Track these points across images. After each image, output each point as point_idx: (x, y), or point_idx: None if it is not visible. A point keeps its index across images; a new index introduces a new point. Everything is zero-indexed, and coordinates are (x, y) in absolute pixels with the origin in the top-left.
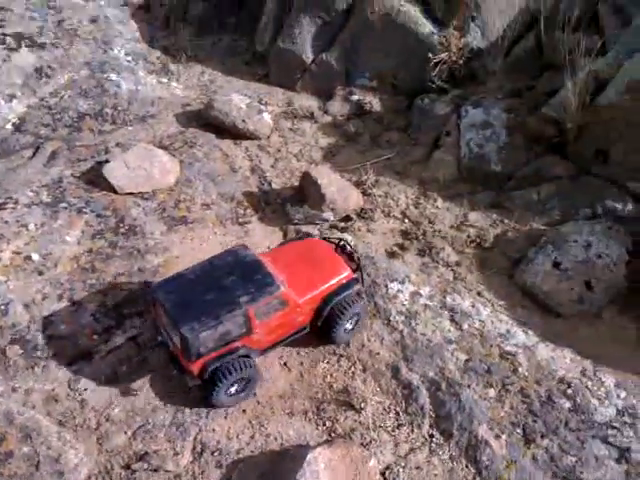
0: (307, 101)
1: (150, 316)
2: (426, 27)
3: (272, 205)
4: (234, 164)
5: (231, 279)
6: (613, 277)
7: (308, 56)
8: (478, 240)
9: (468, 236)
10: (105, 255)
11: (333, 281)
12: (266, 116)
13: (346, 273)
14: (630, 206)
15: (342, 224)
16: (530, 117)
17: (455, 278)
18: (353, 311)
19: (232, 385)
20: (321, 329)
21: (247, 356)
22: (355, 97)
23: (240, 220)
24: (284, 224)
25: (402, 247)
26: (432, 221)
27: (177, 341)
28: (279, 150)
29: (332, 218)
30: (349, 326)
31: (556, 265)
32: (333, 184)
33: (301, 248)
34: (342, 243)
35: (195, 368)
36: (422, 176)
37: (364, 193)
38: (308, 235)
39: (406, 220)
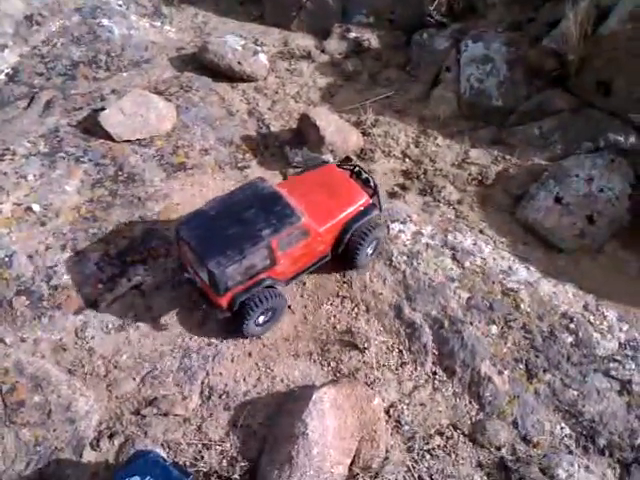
0: (303, 40)
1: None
2: None
3: (271, 148)
4: (231, 108)
5: (252, 212)
6: (615, 211)
7: None
8: (480, 178)
9: (469, 174)
10: (105, 204)
11: (351, 208)
12: (262, 57)
13: (364, 199)
14: (632, 138)
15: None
16: (531, 50)
17: (457, 216)
18: (373, 236)
19: (260, 315)
20: (342, 256)
21: (272, 287)
22: (352, 34)
23: (239, 165)
24: (283, 167)
25: (403, 187)
26: (433, 160)
27: (205, 277)
28: (276, 92)
29: (332, 160)
30: (370, 251)
31: (558, 200)
32: (332, 125)
33: (317, 177)
34: (357, 169)
35: (224, 301)
36: (422, 114)
37: (364, 133)
38: (324, 162)
39: (407, 159)
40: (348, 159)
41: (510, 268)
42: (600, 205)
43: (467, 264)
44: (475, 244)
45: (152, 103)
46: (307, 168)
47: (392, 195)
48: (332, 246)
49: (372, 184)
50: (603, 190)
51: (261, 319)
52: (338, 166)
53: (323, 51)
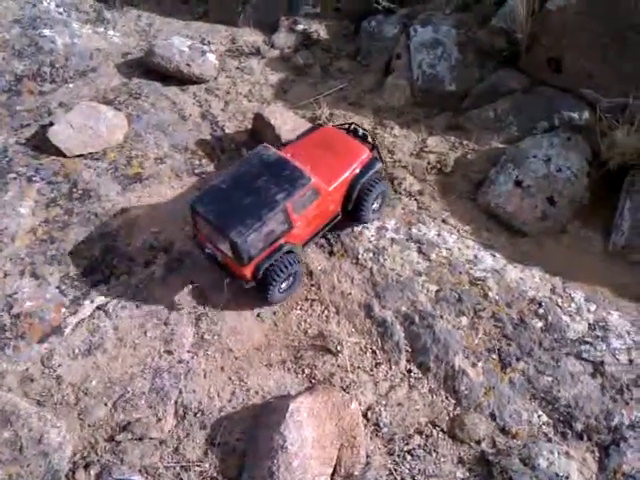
0: (251, 36)
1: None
2: None
3: (227, 151)
4: (183, 112)
5: (263, 179)
6: (575, 190)
7: None
8: (439, 166)
9: (428, 163)
10: (62, 223)
11: (355, 164)
12: (210, 57)
13: (365, 154)
14: (586, 114)
15: None
16: (480, 31)
17: (419, 208)
18: (379, 190)
19: (283, 281)
20: (351, 213)
21: (291, 252)
22: (300, 26)
23: (196, 171)
24: None
25: None
26: (391, 150)
27: (226, 249)
28: (228, 92)
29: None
30: (376, 206)
31: (518, 184)
32: (287, 123)
33: (316, 139)
34: (353, 127)
35: (248, 271)
36: (377, 104)
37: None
38: (319, 125)
39: None
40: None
41: (476, 257)
42: (560, 185)
43: (433, 256)
44: (439, 235)
45: (101, 114)
46: (303, 133)
47: None
48: (342, 204)
49: (370, 139)
50: (561, 170)
51: (284, 285)
52: (334, 126)
53: (272, 46)
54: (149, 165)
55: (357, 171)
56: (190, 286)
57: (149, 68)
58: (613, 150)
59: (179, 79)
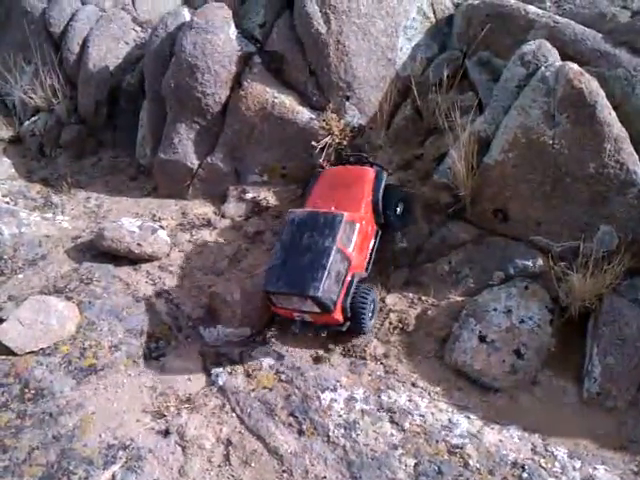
0: (202, 208)
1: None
2: (304, 114)
3: (184, 330)
4: (137, 293)
5: (307, 238)
6: (540, 340)
7: (193, 162)
8: (401, 325)
9: (390, 323)
10: (15, 429)
11: (367, 184)
12: (162, 234)
13: (370, 172)
14: (540, 261)
15: (260, 336)
16: (424, 187)
17: (386, 372)
18: (397, 197)
19: (371, 310)
20: (386, 224)
21: (362, 281)
22: (249, 195)
23: (154, 354)
24: (201, 348)
25: (327, 349)
26: None
27: (311, 307)
28: (182, 267)
29: (249, 332)
30: (400, 210)
31: (482, 339)
32: (243, 296)
33: (324, 183)
34: (346, 156)
35: (338, 315)
36: None
37: None
38: (318, 172)
39: None
40: (267, 327)
41: (450, 421)
42: (524, 337)
43: (407, 425)
44: (411, 400)
45: (51, 307)
46: (309, 186)
47: (317, 360)
48: (375, 221)
49: (364, 157)
50: (524, 321)
51: (370, 312)
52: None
53: (223, 216)
54: (104, 354)
55: (372, 189)
56: None
57: (100, 250)
58: (572, 296)
59: (131, 259)
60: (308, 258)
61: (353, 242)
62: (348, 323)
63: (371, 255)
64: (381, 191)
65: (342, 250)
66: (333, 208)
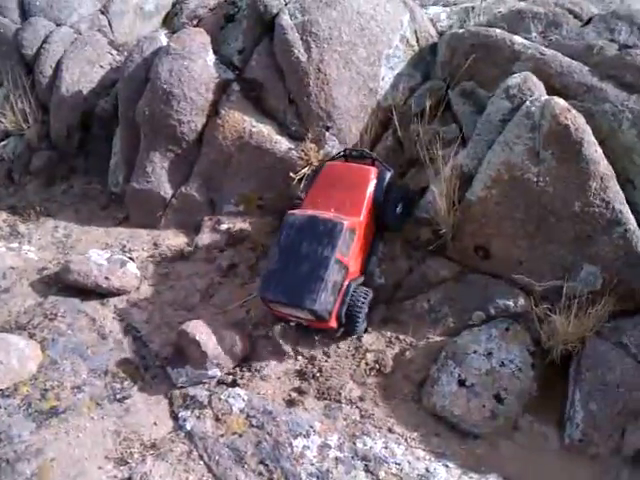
0: (174, 239)
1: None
2: (282, 144)
3: (151, 369)
4: (103, 329)
5: (306, 244)
6: (521, 384)
7: (167, 192)
8: (377, 366)
9: (366, 363)
10: None
11: (369, 186)
12: (131, 267)
13: (372, 172)
14: (522, 301)
15: (231, 377)
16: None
17: (362, 416)
18: (399, 195)
19: (365, 313)
20: (383, 224)
21: (358, 287)
22: (224, 226)
23: (118, 396)
24: (168, 389)
25: (300, 391)
26: (326, 353)
27: (307, 316)
28: (152, 301)
29: (219, 373)
30: (399, 210)
31: (461, 383)
32: (213, 335)
33: (324, 181)
34: (347, 152)
35: (333, 323)
36: None
37: (250, 335)
38: (317, 168)
39: (299, 357)
40: (238, 367)
41: (428, 470)
42: (505, 381)
43: (382, 474)
44: (387, 447)
45: (12, 345)
46: (310, 181)
47: (290, 403)
48: (375, 224)
49: (366, 153)
50: (504, 364)
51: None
52: (331, 159)
53: (196, 247)
54: (66, 395)
55: (373, 189)
56: None
57: (66, 284)
58: (554, 338)
59: (99, 293)
60: (306, 267)
61: (351, 250)
62: (342, 329)
63: (368, 258)
64: (382, 193)
65: (340, 260)
66: (333, 210)
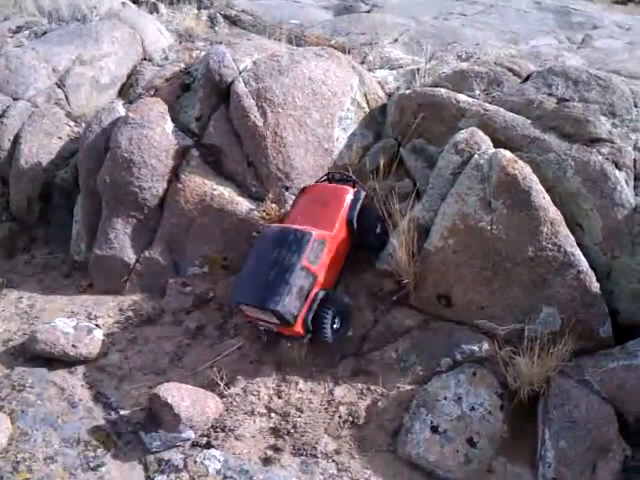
0: (140, 303)
1: None
2: (244, 205)
3: (124, 435)
4: (73, 398)
5: (276, 252)
6: (492, 427)
7: (130, 257)
8: (351, 418)
9: (340, 416)
10: None
11: (345, 203)
12: (98, 333)
13: (349, 192)
14: (486, 345)
15: (205, 439)
16: (366, 274)
17: (339, 470)
18: (376, 217)
19: (333, 321)
20: (363, 243)
21: (327, 296)
22: (189, 288)
23: (91, 464)
24: (142, 455)
25: (276, 448)
26: (299, 408)
27: (273, 319)
28: (120, 367)
29: (193, 435)
30: (378, 229)
31: (434, 430)
32: (185, 398)
33: (306, 200)
34: (330, 176)
35: (299, 328)
36: (278, 359)
37: (221, 395)
38: (304, 188)
39: (272, 414)
40: (213, 428)
41: None
42: (476, 425)
43: None
44: None
45: None
46: (294, 201)
47: (266, 461)
48: (350, 239)
49: (347, 175)
50: (474, 408)
51: (335, 325)
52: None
53: (163, 311)
54: (38, 467)
55: (349, 208)
56: None
57: (33, 354)
58: (520, 380)
59: (66, 361)
60: (274, 272)
61: (321, 260)
62: (309, 335)
63: (340, 273)
64: (357, 211)
65: (307, 267)
66: (309, 225)
